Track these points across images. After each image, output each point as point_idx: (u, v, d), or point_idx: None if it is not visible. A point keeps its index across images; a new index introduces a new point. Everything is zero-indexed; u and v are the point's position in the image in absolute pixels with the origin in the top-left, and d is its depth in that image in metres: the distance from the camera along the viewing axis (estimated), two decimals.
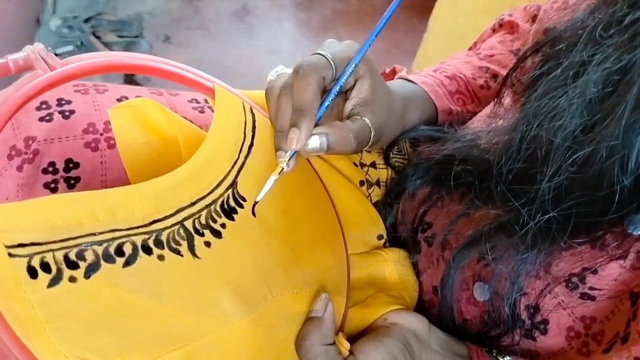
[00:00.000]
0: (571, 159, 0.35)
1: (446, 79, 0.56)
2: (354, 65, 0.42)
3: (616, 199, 0.34)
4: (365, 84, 0.43)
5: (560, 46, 0.40)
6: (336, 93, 0.42)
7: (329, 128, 0.41)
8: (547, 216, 0.37)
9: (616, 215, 0.35)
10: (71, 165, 0.45)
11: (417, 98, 0.53)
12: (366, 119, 0.43)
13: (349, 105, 0.44)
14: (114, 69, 0.42)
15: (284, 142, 0.41)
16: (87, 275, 0.32)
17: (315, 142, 0.40)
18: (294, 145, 0.40)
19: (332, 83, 0.42)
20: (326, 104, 0.42)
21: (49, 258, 0.31)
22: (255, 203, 0.41)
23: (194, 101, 0.54)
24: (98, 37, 1.62)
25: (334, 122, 0.41)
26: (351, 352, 0.39)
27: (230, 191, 0.41)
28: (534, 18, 0.60)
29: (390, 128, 0.47)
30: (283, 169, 0.41)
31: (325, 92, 0.42)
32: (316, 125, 0.41)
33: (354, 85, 0.44)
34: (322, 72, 0.40)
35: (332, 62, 0.41)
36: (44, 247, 0.31)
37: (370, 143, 0.44)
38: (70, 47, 0.41)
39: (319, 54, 0.41)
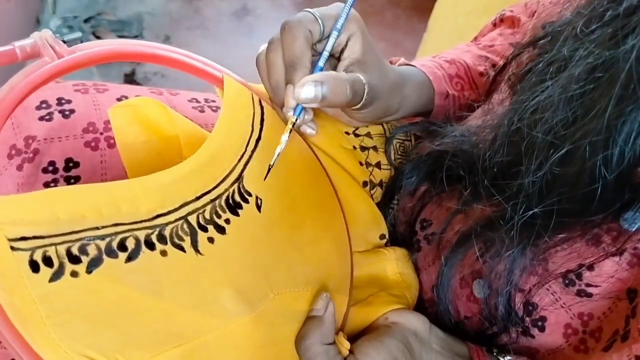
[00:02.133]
0: (553, 155, 0.35)
1: (445, 63, 0.55)
2: (342, 18, 0.42)
3: (598, 196, 0.34)
4: (357, 43, 0.43)
5: (544, 41, 0.40)
6: (330, 50, 0.42)
7: (323, 76, 0.40)
8: (531, 212, 0.37)
9: (602, 214, 0.35)
10: (71, 164, 0.45)
11: (415, 78, 0.52)
12: (360, 75, 0.42)
13: (341, 66, 0.43)
14: (122, 57, 0.42)
15: (282, 97, 0.41)
16: (89, 270, 0.32)
17: (309, 91, 0.39)
18: (292, 102, 0.40)
19: (321, 43, 0.42)
20: (321, 64, 0.41)
21: (51, 252, 0.31)
22: (270, 167, 0.41)
23: (194, 100, 0.54)
24: (98, 37, 1.62)
25: (328, 71, 0.41)
26: (351, 351, 0.39)
27: (235, 186, 0.40)
28: (534, 14, 0.60)
29: (384, 94, 0.46)
30: (293, 125, 0.41)
31: (316, 55, 0.43)
32: None
33: (345, 45, 0.43)
34: (309, 25, 0.40)
35: (318, 18, 0.41)
36: (47, 241, 0.31)
37: (363, 100, 0.43)
38: (78, 34, 0.41)
39: (305, 10, 0.42)
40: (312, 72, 0.41)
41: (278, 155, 0.41)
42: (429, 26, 1.33)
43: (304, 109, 0.42)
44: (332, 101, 0.40)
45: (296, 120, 0.41)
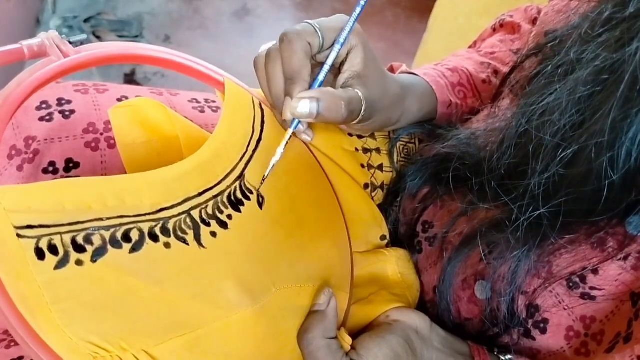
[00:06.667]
0: (560, 156, 0.36)
1: (448, 71, 0.55)
2: (346, 32, 0.42)
3: (604, 196, 0.34)
4: (358, 57, 0.43)
5: (552, 44, 0.40)
6: (331, 64, 0.42)
7: (320, 93, 0.40)
8: (537, 212, 0.37)
9: (608, 215, 0.36)
10: (71, 165, 0.45)
11: (417, 88, 0.52)
12: (358, 91, 0.42)
13: (341, 79, 0.43)
14: (125, 59, 0.43)
15: (282, 108, 0.41)
16: (93, 259, 0.33)
17: (305, 106, 0.39)
18: (288, 115, 0.40)
19: (321, 54, 0.42)
20: (320, 78, 0.42)
21: (56, 240, 0.32)
22: (264, 178, 0.42)
23: (194, 101, 0.54)
24: (98, 37, 1.62)
25: (325, 88, 0.41)
26: (353, 347, 0.40)
27: (237, 183, 0.41)
28: (534, 21, 0.60)
29: (384, 108, 0.46)
30: (289, 138, 0.42)
31: (316, 66, 0.43)
32: None
33: (346, 58, 0.43)
34: (308, 38, 0.40)
35: (318, 30, 0.41)
36: (52, 230, 0.32)
37: (360, 117, 0.43)
38: (84, 36, 0.42)
39: (306, 22, 0.41)
40: (311, 85, 0.41)
41: (273, 166, 0.42)
42: (429, 26, 1.33)
43: (300, 121, 0.42)
44: (327, 118, 0.40)
45: (292, 133, 0.42)
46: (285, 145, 0.42)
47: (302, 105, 0.39)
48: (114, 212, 0.34)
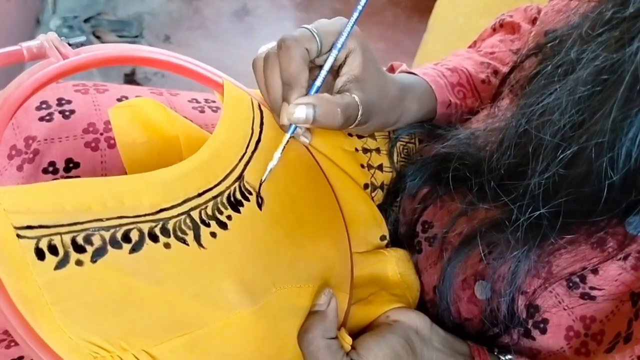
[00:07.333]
0: (560, 156, 0.36)
1: (447, 71, 0.55)
2: (343, 37, 0.42)
3: (604, 196, 0.34)
4: (356, 60, 0.43)
5: (552, 44, 0.40)
6: (328, 69, 0.42)
7: (316, 99, 0.40)
8: (537, 213, 0.37)
9: (608, 215, 0.36)
10: (71, 165, 0.45)
11: (417, 88, 0.52)
12: (355, 96, 0.42)
13: (339, 82, 0.43)
14: (125, 60, 0.43)
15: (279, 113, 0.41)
16: (93, 259, 0.33)
17: (301, 112, 0.40)
18: (285, 119, 0.40)
19: (320, 58, 0.42)
20: (317, 83, 0.42)
21: (56, 241, 0.32)
22: (262, 182, 0.42)
23: (194, 101, 0.54)
24: (98, 37, 1.62)
25: (322, 94, 0.41)
26: (353, 347, 0.40)
27: (237, 184, 0.41)
28: (534, 20, 0.60)
29: (382, 111, 0.46)
30: (287, 143, 0.42)
31: (314, 68, 0.43)
32: None
33: (345, 61, 0.43)
34: (306, 44, 0.40)
35: (315, 35, 0.41)
36: (52, 230, 0.32)
37: (357, 122, 0.43)
38: (83, 38, 0.43)
39: (303, 27, 0.42)
40: (308, 91, 0.41)
41: (270, 171, 0.42)
42: (429, 26, 1.33)
43: (297, 128, 0.42)
44: (323, 124, 0.41)
45: (289, 138, 0.42)
46: (283, 150, 0.42)
47: (299, 111, 0.40)
48: (114, 213, 0.34)
